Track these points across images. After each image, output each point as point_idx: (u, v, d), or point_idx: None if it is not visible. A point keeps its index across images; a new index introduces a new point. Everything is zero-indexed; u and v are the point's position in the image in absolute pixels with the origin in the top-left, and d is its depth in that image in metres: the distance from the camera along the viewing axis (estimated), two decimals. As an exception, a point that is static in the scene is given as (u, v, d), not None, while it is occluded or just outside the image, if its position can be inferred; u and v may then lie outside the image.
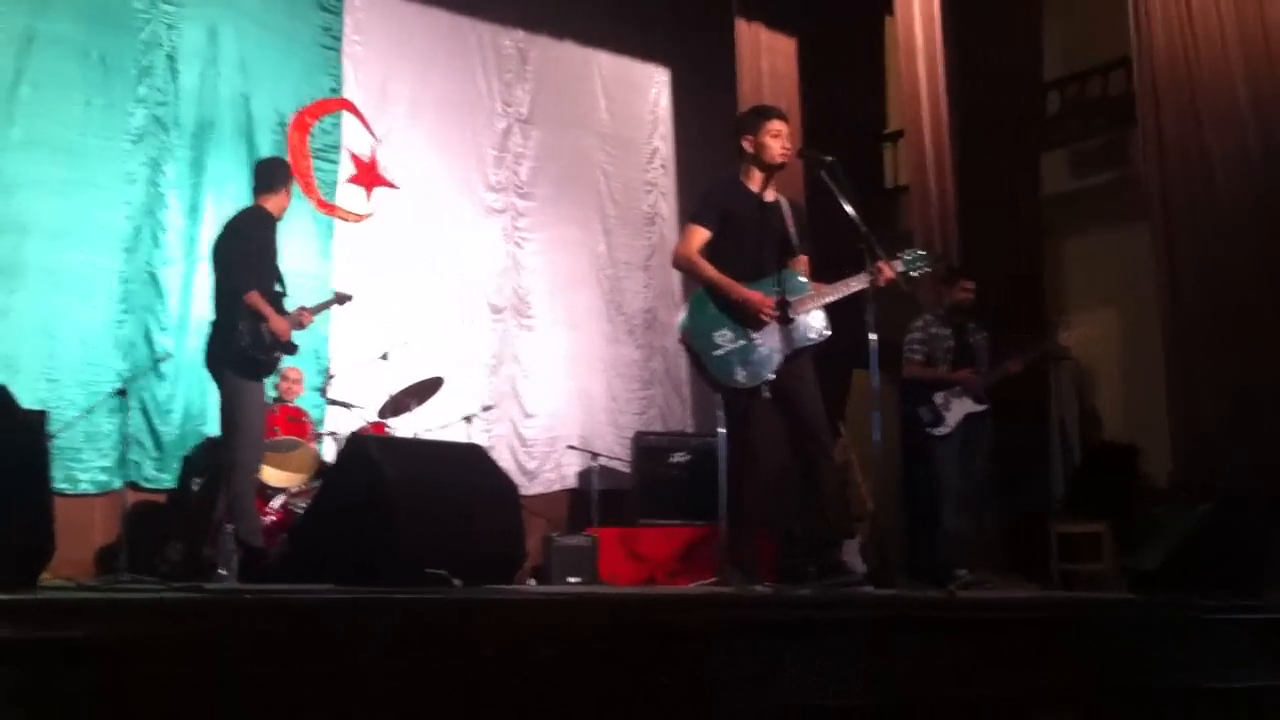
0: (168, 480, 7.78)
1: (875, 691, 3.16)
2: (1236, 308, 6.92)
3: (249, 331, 5.92)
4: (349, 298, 7.12)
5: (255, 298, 5.97)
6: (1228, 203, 7.02)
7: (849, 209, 4.90)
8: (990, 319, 7.39)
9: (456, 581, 3.99)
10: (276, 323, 6.02)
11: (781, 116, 5.27)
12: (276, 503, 7.11)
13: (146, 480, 7.74)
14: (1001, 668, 3.44)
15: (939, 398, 7.08)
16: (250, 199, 6.48)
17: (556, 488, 9.66)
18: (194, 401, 7.90)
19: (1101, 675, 3.61)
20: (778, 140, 5.18)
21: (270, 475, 7.13)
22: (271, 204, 6.28)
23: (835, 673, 3.11)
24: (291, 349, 6.23)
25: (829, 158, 5.07)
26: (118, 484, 7.29)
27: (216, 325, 6.09)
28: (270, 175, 6.37)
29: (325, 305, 6.84)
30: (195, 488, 6.93)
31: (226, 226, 6.35)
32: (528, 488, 9.29)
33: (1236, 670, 3.92)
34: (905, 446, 7.25)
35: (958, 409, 7.06)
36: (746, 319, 4.94)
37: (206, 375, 6.33)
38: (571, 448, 9.53)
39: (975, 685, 3.35)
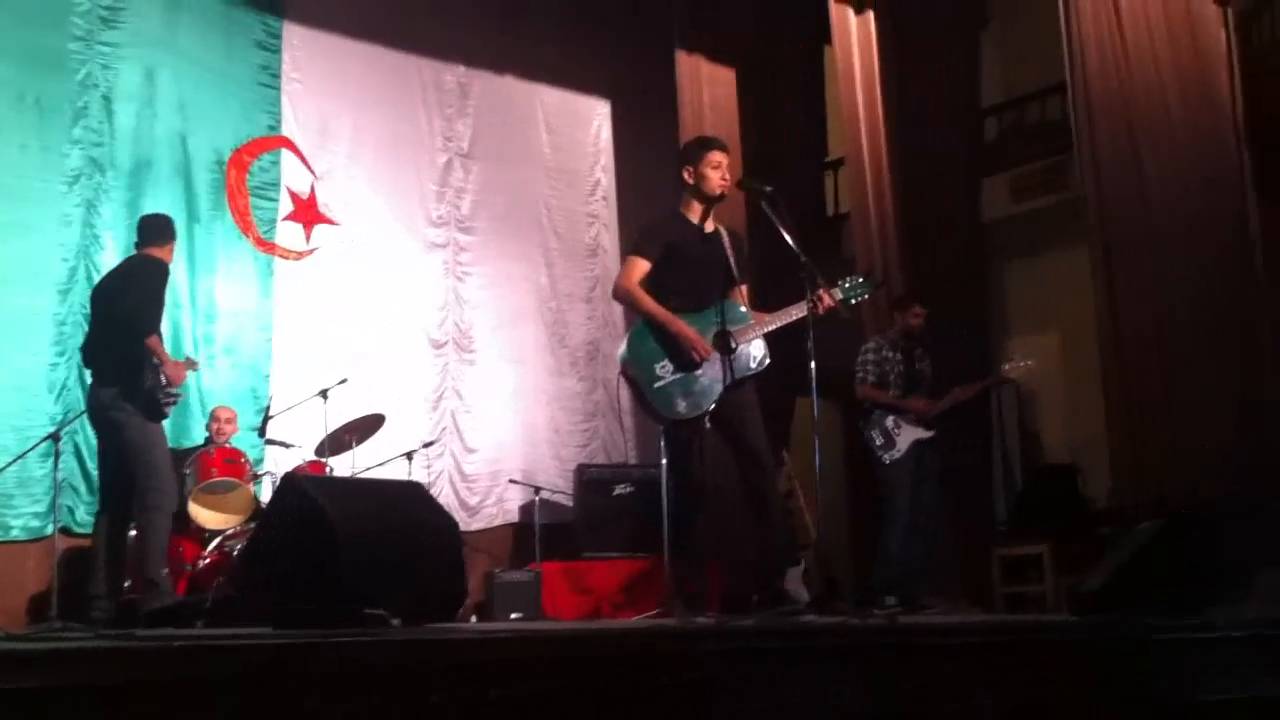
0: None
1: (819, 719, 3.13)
2: (1174, 329, 6.99)
3: (153, 373, 6.00)
4: None
5: (156, 341, 6.08)
6: (1165, 224, 7.10)
7: (788, 238, 4.91)
8: (934, 344, 7.44)
9: (395, 621, 3.93)
10: (172, 367, 6.12)
11: (721, 148, 5.28)
12: (213, 545, 7.00)
13: (79, 525, 7.60)
14: (946, 693, 3.42)
15: (890, 422, 7.12)
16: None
17: (499, 522, 9.59)
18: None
19: (1045, 698, 3.60)
20: (717, 171, 5.19)
21: (206, 517, 7.04)
22: (162, 255, 6.38)
23: (780, 702, 3.08)
24: (180, 395, 6.40)
25: (768, 188, 5.09)
26: (50, 530, 7.17)
27: (112, 371, 6.08)
28: (160, 230, 6.48)
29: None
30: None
31: (122, 275, 6.35)
32: (469, 523, 9.24)
33: (1182, 688, 3.93)
34: (850, 468, 7.30)
35: (907, 435, 7.11)
36: (681, 354, 4.94)
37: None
38: (513, 481, 9.47)
39: (921, 711, 3.33)
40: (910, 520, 7.03)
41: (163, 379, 6.04)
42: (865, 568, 7.84)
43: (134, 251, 6.54)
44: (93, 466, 7.70)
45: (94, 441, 7.70)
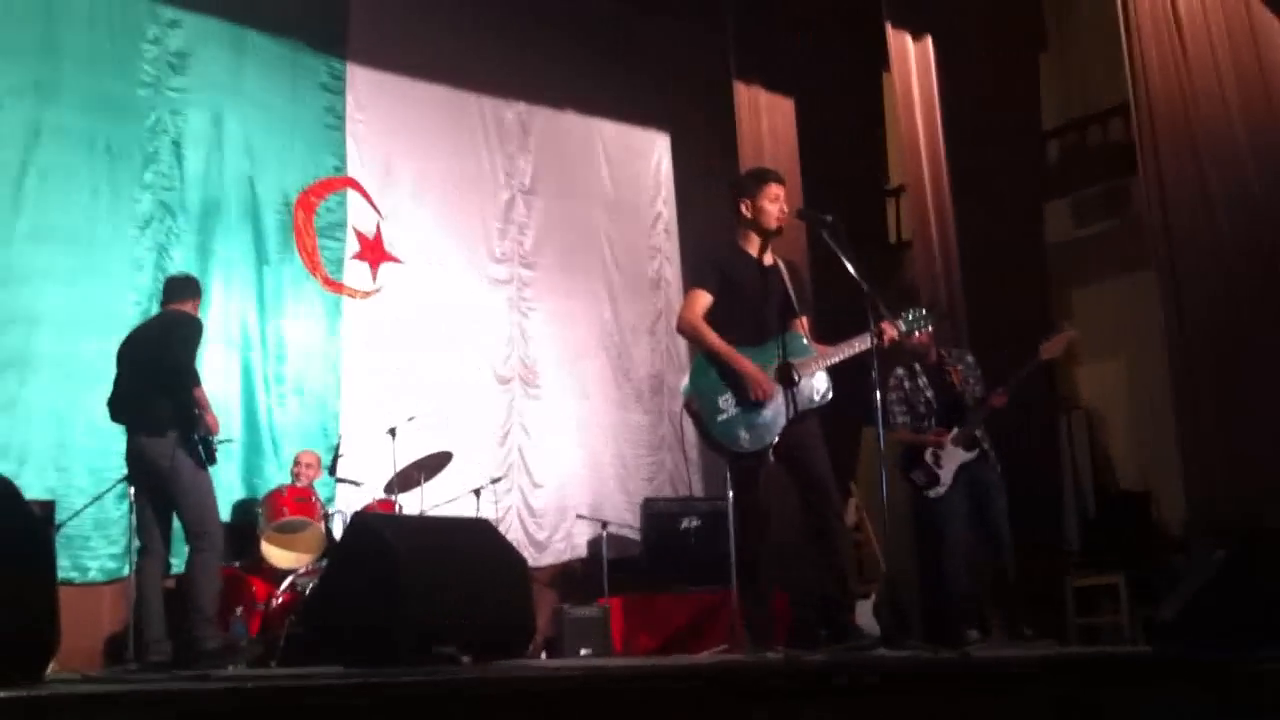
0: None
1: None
2: (1244, 350, 6.87)
3: (201, 423, 6.22)
4: None
5: (202, 392, 6.28)
6: (1231, 245, 6.99)
7: (850, 268, 4.90)
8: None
9: (465, 658, 3.96)
10: (212, 417, 6.32)
11: (779, 180, 5.28)
12: (285, 584, 7.07)
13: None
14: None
15: (929, 455, 6.78)
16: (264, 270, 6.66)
17: (567, 557, 9.60)
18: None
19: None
20: (775, 205, 5.19)
21: (278, 556, 7.13)
22: (191, 310, 6.60)
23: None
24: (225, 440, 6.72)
25: (828, 217, 5.07)
26: (126, 571, 7.24)
27: (160, 421, 6.20)
28: (186, 287, 6.70)
29: None
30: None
31: (163, 329, 6.49)
32: (538, 559, 9.26)
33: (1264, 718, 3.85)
34: (913, 508, 7.05)
35: (950, 463, 6.74)
36: (743, 391, 4.93)
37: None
38: (581, 516, 9.49)
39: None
40: (992, 543, 6.68)
41: (205, 428, 6.26)
42: (933, 601, 7.67)
43: (161, 309, 6.71)
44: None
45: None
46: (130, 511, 6.72)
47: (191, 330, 6.40)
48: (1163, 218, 7.27)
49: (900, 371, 7.02)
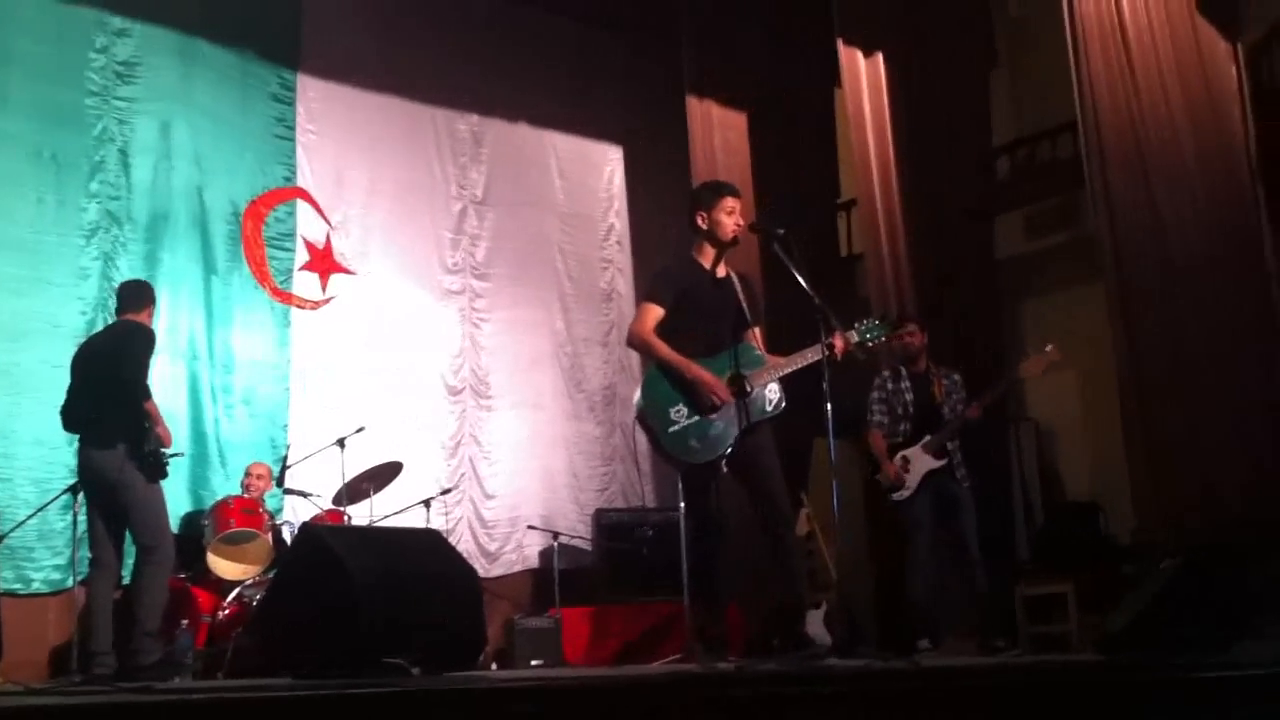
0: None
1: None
2: (1193, 365, 6.95)
3: (153, 436, 6.17)
4: None
5: (153, 405, 6.25)
6: (1179, 259, 7.08)
7: (802, 281, 4.91)
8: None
9: (414, 670, 3.92)
10: (164, 429, 6.29)
11: (734, 193, 5.30)
12: (231, 596, 6.99)
13: (100, 578, 7.61)
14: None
15: (898, 460, 6.87)
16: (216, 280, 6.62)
17: (518, 568, 9.56)
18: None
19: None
20: (731, 217, 5.21)
21: (225, 568, 7.04)
22: (141, 319, 6.53)
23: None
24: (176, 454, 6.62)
25: (780, 230, 5.10)
26: (70, 582, 7.13)
27: (111, 434, 6.16)
28: (140, 296, 6.63)
29: None
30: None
31: (115, 340, 6.44)
32: (489, 569, 9.22)
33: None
34: (869, 510, 7.10)
35: (917, 468, 6.82)
36: (699, 399, 4.93)
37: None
38: (532, 527, 9.44)
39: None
40: (961, 555, 6.75)
41: (156, 441, 6.21)
42: (886, 609, 7.72)
43: (115, 318, 6.65)
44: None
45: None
46: (74, 524, 6.63)
47: (143, 342, 6.35)
48: (1111, 232, 7.35)
49: (885, 373, 7.15)
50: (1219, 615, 4.78)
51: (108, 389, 6.22)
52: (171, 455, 6.36)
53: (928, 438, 6.83)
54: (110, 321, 6.94)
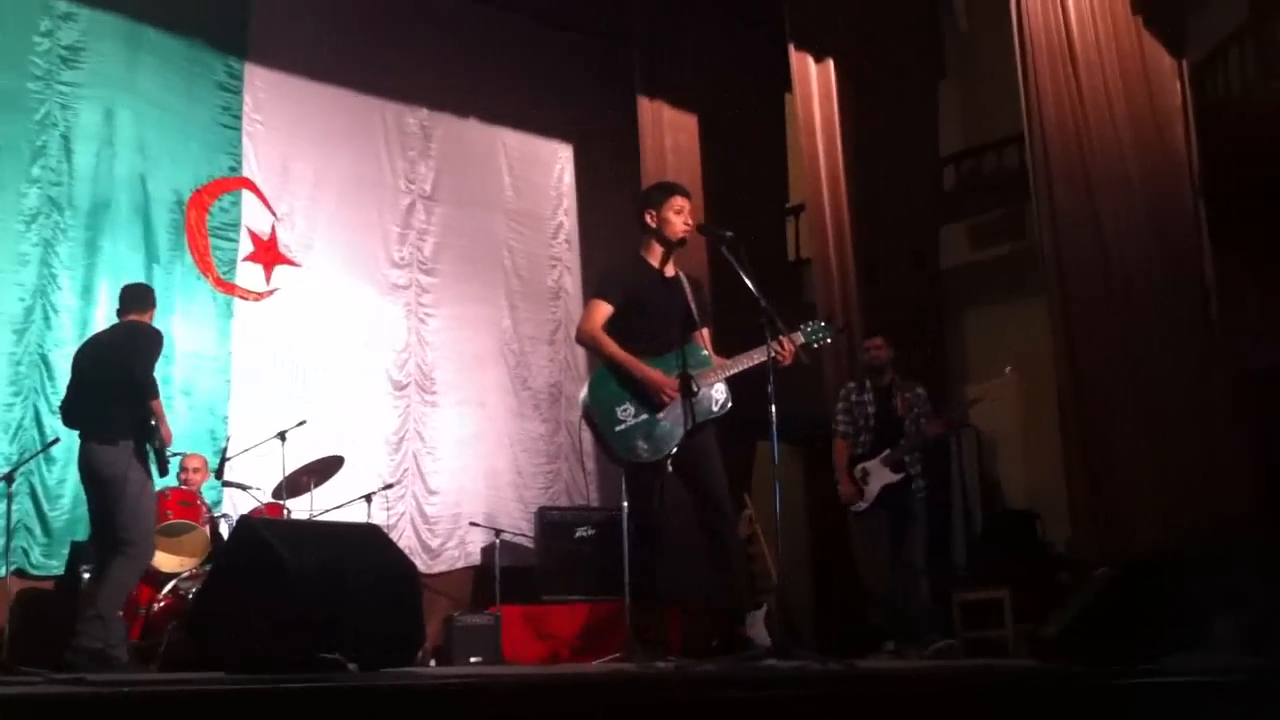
0: (55, 567, 7.55)
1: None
2: (1131, 377, 7.04)
3: (156, 435, 6.18)
4: None
5: (159, 404, 6.26)
6: (1119, 272, 7.17)
7: (749, 283, 4.92)
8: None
9: (351, 666, 3.88)
10: (167, 429, 6.28)
11: (683, 193, 5.30)
12: (167, 588, 6.91)
13: (34, 567, 7.53)
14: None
15: (858, 471, 7.06)
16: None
17: (460, 565, 9.53)
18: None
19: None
20: (679, 216, 5.21)
21: (161, 560, 6.95)
22: (149, 319, 6.53)
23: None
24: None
25: (728, 233, 5.10)
26: (3, 572, 7.03)
27: (115, 430, 6.13)
28: (143, 299, 6.62)
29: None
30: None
31: (125, 338, 6.37)
32: (431, 566, 9.20)
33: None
34: (811, 513, 7.23)
35: (875, 482, 7.02)
36: (647, 397, 4.94)
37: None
38: (475, 524, 9.40)
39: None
40: (909, 564, 6.95)
41: (159, 440, 6.22)
42: (825, 612, 7.80)
43: (117, 319, 6.56)
44: (48, 508, 7.64)
45: (50, 483, 7.66)
46: (7, 514, 6.61)
47: (154, 343, 6.36)
48: (1054, 244, 7.44)
49: (851, 385, 7.34)
50: (1151, 624, 4.84)
51: (115, 386, 6.19)
52: (173, 454, 6.45)
53: (887, 452, 7.02)
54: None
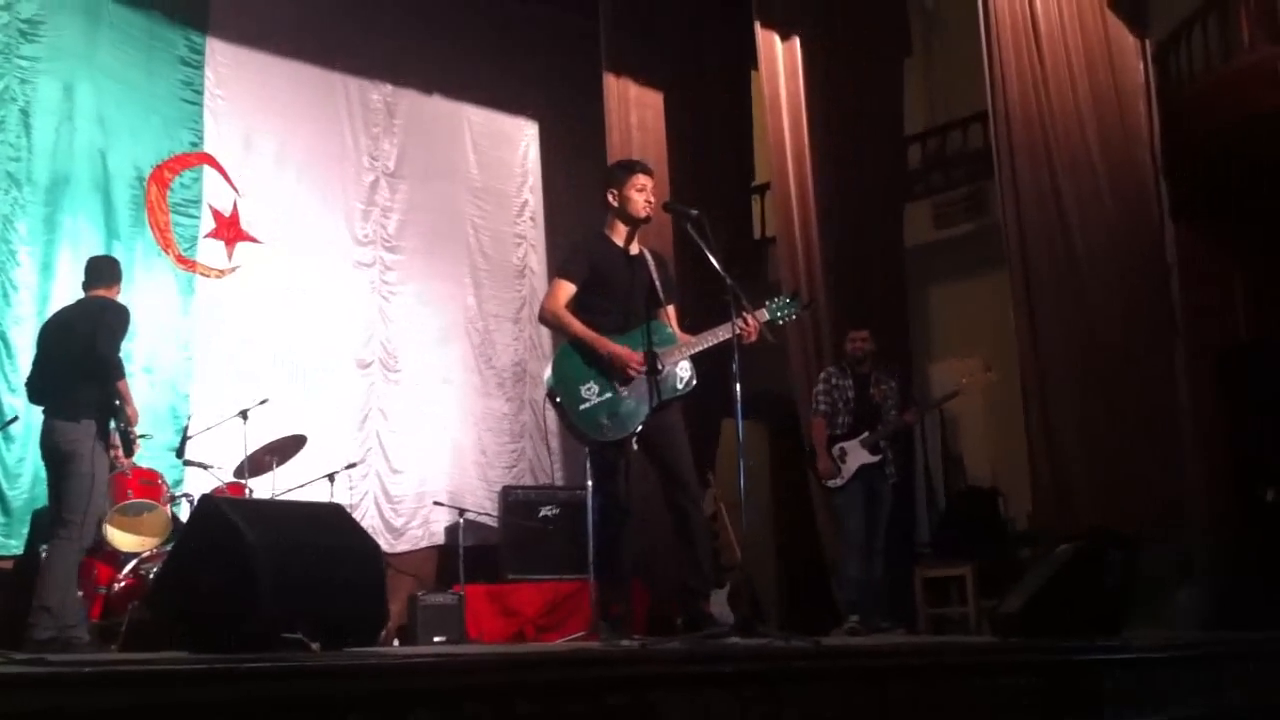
0: (15, 547, 7.48)
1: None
2: (1093, 355, 7.10)
3: (122, 415, 6.15)
4: None
5: (125, 384, 6.20)
6: (1081, 251, 7.22)
7: (714, 261, 4.91)
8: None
9: (314, 645, 3.87)
10: (133, 409, 6.25)
11: (646, 171, 5.28)
12: (128, 568, 6.85)
13: (-4, 546, 7.45)
14: (868, 715, 3.44)
15: (836, 450, 7.33)
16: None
17: (424, 544, 9.52)
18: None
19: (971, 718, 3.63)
20: (642, 194, 5.19)
21: (121, 540, 6.88)
22: (111, 295, 6.43)
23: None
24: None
25: (694, 211, 5.08)
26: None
27: (81, 408, 6.07)
28: (111, 271, 6.53)
29: None
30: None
31: (89, 316, 6.27)
32: (394, 545, 9.17)
33: (1101, 709, 3.98)
34: (775, 491, 7.38)
35: (853, 460, 7.30)
36: (613, 373, 4.93)
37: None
38: (439, 504, 9.37)
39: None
40: (868, 545, 7.21)
41: (125, 420, 6.19)
42: (789, 590, 7.87)
43: (83, 293, 6.46)
44: (7, 487, 7.56)
45: (9, 461, 7.58)
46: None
47: (122, 320, 6.28)
48: (1017, 223, 7.48)
49: (832, 369, 7.66)
50: (1111, 599, 4.89)
51: (79, 363, 6.11)
52: (141, 436, 6.37)
53: (866, 434, 7.31)
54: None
